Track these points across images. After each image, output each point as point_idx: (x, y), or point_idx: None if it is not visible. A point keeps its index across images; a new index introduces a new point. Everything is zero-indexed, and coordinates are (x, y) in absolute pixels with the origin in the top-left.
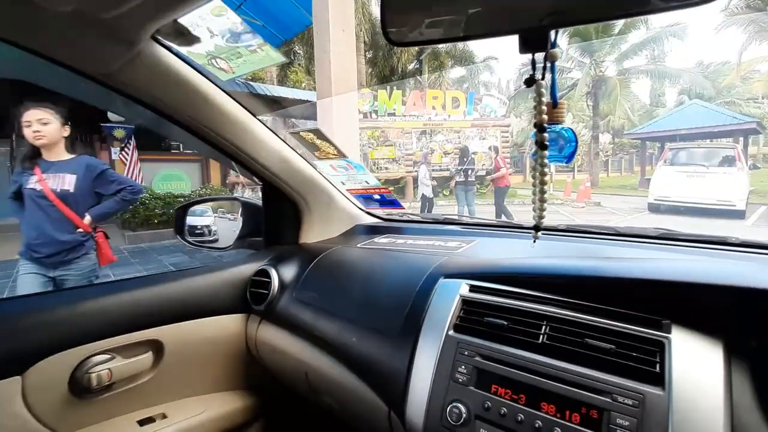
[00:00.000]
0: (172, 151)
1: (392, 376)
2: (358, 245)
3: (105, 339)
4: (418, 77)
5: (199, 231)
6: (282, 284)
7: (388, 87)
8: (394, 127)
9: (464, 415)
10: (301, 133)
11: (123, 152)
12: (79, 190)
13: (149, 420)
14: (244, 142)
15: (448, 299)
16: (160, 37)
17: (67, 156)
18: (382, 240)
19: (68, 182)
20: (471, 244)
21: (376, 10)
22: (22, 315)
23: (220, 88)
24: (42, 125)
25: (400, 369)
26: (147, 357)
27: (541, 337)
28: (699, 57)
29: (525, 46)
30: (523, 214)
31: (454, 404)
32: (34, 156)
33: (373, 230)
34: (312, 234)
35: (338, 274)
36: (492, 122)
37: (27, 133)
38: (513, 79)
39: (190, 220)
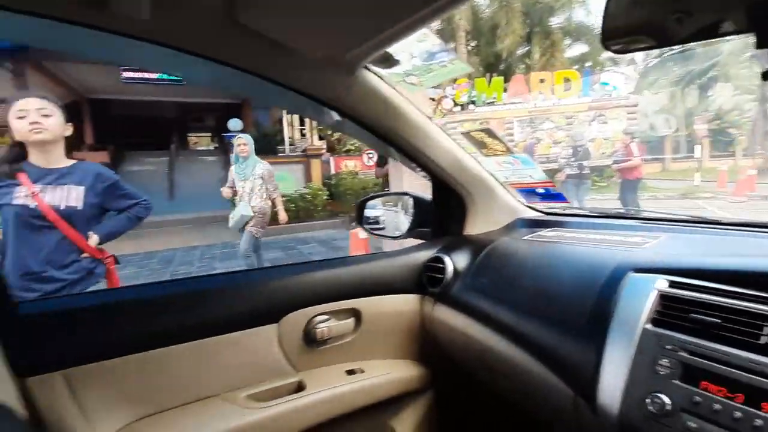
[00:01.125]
0: (279, 154)
1: (579, 364)
2: (524, 238)
3: (325, 303)
4: (527, 61)
5: (372, 221)
6: (455, 270)
7: (488, 75)
8: (494, 117)
9: (668, 407)
10: (471, 132)
11: None
12: (87, 207)
13: (353, 372)
14: (424, 144)
15: (642, 294)
16: (368, 64)
17: (67, 162)
18: (548, 233)
19: (75, 197)
20: (658, 240)
21: None
22: (276, 279)
23: (407, 98)
24: (43, 117)
25: (589, 357)
26: (351, 322)
27: (763, 338)
28: None
29: (763, 42)
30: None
31: (656, 395)
32: (16, 159)
33: (535, 224)
34: (476, 226)
35: (510, 264)
36: (614, 102)
37: (18, 126)
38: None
39: (367, 212)
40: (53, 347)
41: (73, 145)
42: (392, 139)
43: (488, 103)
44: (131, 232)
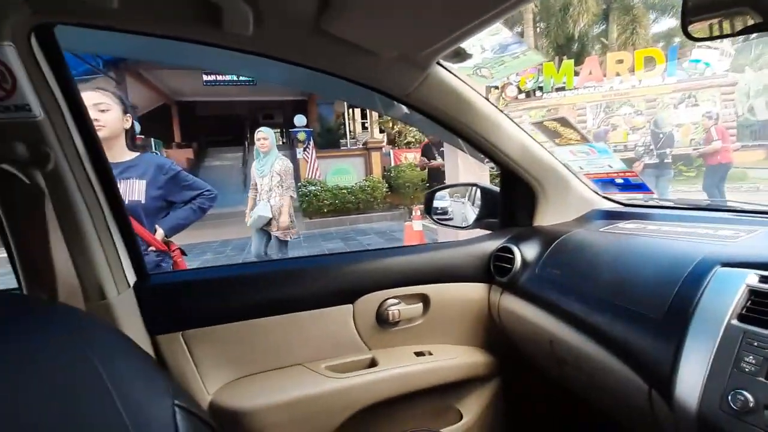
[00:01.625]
0: (341, 148)
1: (655, 357)
2: (600, 229)
3: (395, 288)
4: (604, 40)
5: (440, 212)
6: (524, 261)
7: (557, 59)
8: (564, 104)
9: (751, 404)
10: (544, 122)
11: (305, 152)
12: (149, 200)
13: (421, 354)
14: (493, 135)
15: (729, 289)
16: (440, 60)
17: (130, 155)
18: (628, 225)
19: (138, 190)
20: (754, 234)
21: None
22: (353, 263)
23: (476, 91)
24: (100, 112)
25: (665, 351)
26: (419, 306)
27: None
28: None
29: None
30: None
31: (738, 392)
32: None
33: (612, 215)
34: (546, 217)
35: (584, 256)
36: (707, 82)
37: None
38: None
39: (436, 203)
40: (175, 312)
41: (164, 143)
42: (461, 130)
43: (557, 89)
44: (210, 221)
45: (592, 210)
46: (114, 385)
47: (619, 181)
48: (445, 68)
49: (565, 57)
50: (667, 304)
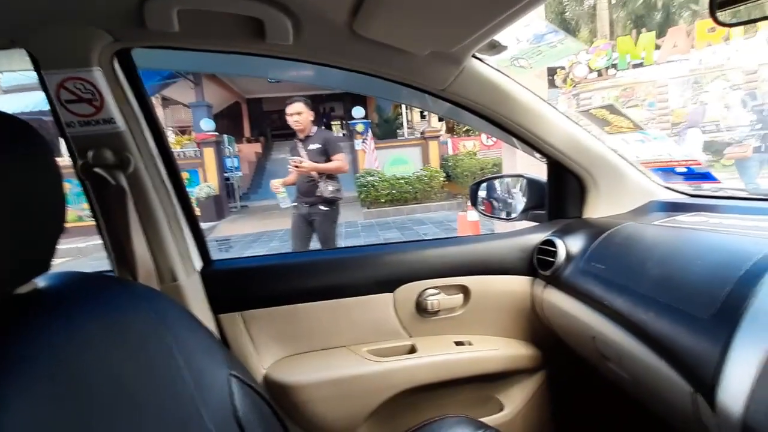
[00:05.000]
0: (398, 138)
1: (700, 358)
2: (655, 222)
3: (435, 279)
4: (694, 6)
5: (486, 203)
6: (568, 254)
7: (634, 32)
8: (641, 82)
9: None
10: (591, 111)
11: (364, 143)
12: None
13: (461, 343)
14: (536, 126)
15: None
16: (476, 53)
17: None
18: (688, 218)
19: None
20: None
21: None
22: (394, 253)
23: (515, 81)
24: None
25: (711, 353)
26: (459, 297)
27: None
28: None
29: None
30: None
31: None
32: None
33: (674, 207)
34: (598, 209)
35: (631, 250)
36: None
37: None
38: None
39: (481, 194)
40: (235, 295)
41: (235, 139)
42: (502, 122)
43: (635, 66)
44: (277, 211)
45: (652, 201)
46: (180, 353)
47: (681, 170)
48: (482, 61)
49: (644, 29)
50: (717, 303)
